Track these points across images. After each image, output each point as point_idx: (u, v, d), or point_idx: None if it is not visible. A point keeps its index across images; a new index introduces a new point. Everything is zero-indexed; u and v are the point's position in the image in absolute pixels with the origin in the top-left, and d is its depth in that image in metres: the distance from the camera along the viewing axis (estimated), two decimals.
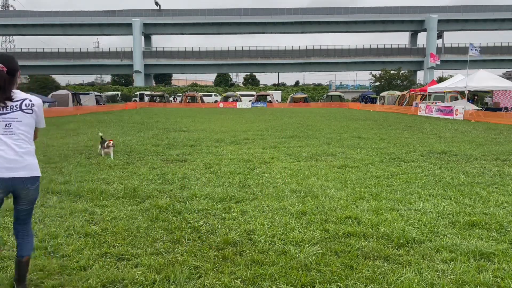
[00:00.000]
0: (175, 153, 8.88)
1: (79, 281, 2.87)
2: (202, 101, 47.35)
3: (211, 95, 59.77)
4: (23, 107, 2.50)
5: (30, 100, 2.55)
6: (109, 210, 4.54)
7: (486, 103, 27.47)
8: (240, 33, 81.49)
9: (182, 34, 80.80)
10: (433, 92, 28.91)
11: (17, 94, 2.53)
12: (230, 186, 5.75)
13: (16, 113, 2.48)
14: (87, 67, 78.91)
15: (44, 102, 26.99)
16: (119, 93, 64.46)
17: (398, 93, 38.41)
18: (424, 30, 76.16)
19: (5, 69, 2.43)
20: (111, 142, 8.19)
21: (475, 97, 28.63)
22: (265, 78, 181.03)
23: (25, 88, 58.06)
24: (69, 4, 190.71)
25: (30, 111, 2.52)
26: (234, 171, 6.77)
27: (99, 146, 8.62)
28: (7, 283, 2.84)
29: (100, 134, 9.19)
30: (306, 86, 79.99)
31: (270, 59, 78.37)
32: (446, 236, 3.75)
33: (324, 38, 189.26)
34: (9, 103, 2.48)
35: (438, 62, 28.68)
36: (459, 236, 3.73)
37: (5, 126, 2.43)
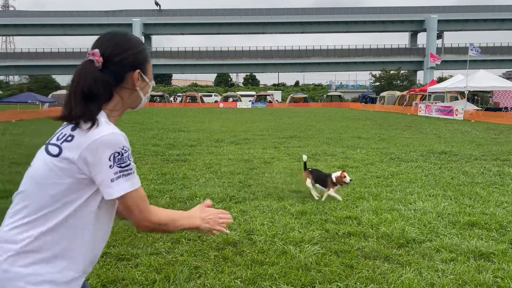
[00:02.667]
0: (175, 153, 8.88)
1: None
2: (202, 101, 47.37)
3: (211, 95, 59.79)
4: (53, 140, 1.25)
5: (74, 131, 1.21)
6: None
7: (482, 103, 27.50)
8: (240, 33, 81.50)
9: (182, 34, 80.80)
10: (433, 92, 28.91)
11: (100, 125, 1.19)
12: (230, 186, 5.75)
13: (41, 149, 1.29)
14: None
15: (44, 102, 26.97)
16: None
17: (398, 93, 38.44)
18: (424, 30, 76.12)
19: (99, 59, 1.22)
20: (345, 175, 4.82)
21: (475, 97, 28.64)
22: (265, 78, 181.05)
23: (25, 88, 58.12)
24: (70, 4, 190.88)
25: (56, 151, 1.20)
26: (234, 171, 6.77)
27: (309, 180, 5.11)
28: None
29: (305, 157, 5.47)
30: (306, 86, 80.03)
31: (270, 59, 78.35)
32: (446, 236, 3.75)
33: (324, 38, 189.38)
34: (64, 130, 1.25)
35: (439, 62, 28.69)
36: (459, 236, 3.73)
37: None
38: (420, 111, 26.66)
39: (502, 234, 3.80)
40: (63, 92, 32.07)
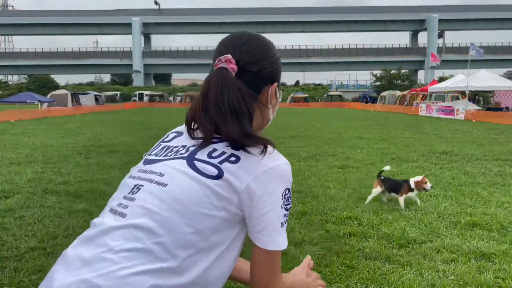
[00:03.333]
0: None
1: None
2: None
3: None
4: (201, 155, 0.96)
5: (237, 150, 0.95)
6: None
7: (483, 103, 27.49)
8: None
9: (182, 33, 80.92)
10: (434, 92, 28.89)
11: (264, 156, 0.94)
12: None
13: (173, 163, 0.97)
14: (86, 67, 78.93)
15: (43, 101, 26.97)
16: (118, 92, 64.44)
17: (398, 92, 38.44)
18: (425, 29, 76.15)
19: (234, 67, 1.00)
20: (426, 181, 4.62)
21: (476, 97, 28.63)
22: None
23: (24, 88, 58.09)
24: (69, 4, 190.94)
25: (213, 171, 0.92)
26: None
27: (379, 189, 4.83)
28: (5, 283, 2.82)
29: (388, 167, 5.22)
30: (307, 86, 79.92)
31: None
32: (447, 236, 3.73)
33: (324, 38, 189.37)
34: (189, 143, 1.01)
35: (439, 63, 28.68)
36: (460, 237, 3.72)
37: (129, 193, 0.98)
38: (421, 111, 26.64)
39: (503, 235, 3.78)
40: (62, 91, 32.02)
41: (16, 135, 12.61)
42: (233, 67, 0.99)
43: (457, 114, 22.24)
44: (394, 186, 4.76)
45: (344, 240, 3.64)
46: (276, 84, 1.07)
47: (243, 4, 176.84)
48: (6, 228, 3.92)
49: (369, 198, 4.87)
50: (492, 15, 74.71)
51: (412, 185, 4.61)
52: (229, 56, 0.99)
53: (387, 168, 5.07)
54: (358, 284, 2.83)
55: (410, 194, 4.64)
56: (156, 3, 78.73)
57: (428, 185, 4.58)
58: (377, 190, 4.84)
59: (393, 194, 4.78)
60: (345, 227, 3.97)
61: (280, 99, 1.12)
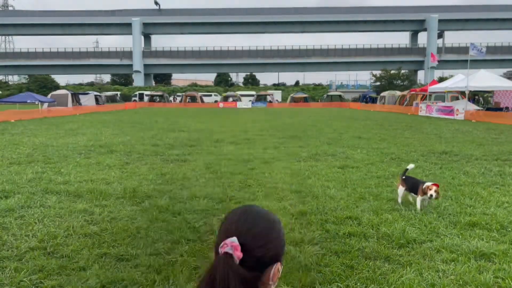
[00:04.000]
0: (175, 153, 8.87)
1: (79, 282, 2.86)
2: (202, 101, 47.37)
3: (211, 95, 59.79)
4: None
5: None
6: (108, 210, 4.53)
7: (484, 103, 27.49)
8: (240, 33, 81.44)
9: (182, 33, 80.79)
10: (433, 92, 28.89)
11: None
12: (230, 186, 5.74)
13: None
14: (87, 67, 78.86)
15: (43, 101, 26.96)
16: (119, 93, 64.44)
17: (398, 93, 38.42)
18: (425, 29, 76.10)
19: (240, 254, 1.02)
20: (431, 188, 4.42)
21: (476, 97, 28.61)
22: (265, 78, 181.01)
23: (24, 88, 58.09)
24: (69, 4, 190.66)
25: None
26: (234, 171, 6.75)
27: (401, 188, 4.83)
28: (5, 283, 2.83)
29: (412, 166, 5.09)
30: (306, 86, 79.88)
31: (270, 58, 78.32)
32: (447, 236, 3.74)
33: (324, 38, 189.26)
34: None
35: (437, 62, 28.67)
36: (460, 237, 3.72)
37: None
38: (420, 111, 26.64)
39: (503, 235, 3.79)
40: (62, 92, 31.99)
41: (16, 135, 12.61)
42: (238, 254, 0.99)
43: (457, 114, 22.24)
44: (413, 186, 4.69)
45: (344, 240, 3.65)
46: (279, 263, 1.07)
47: (243, 4, 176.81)
48: (6, 228, 3.93)
49: (398, 199, 4.86)
50: (492, 15, 74.66)
51: (423, 188, 4.50)
52: (235, 242, 1.00)
53: (411, 166, 4.97)
54: (358, 284, 2.84)
55: (425, 196, 4.50)
56: (156, 3, 78.66)
57: (430, 192, 4.39)
58: (401, 189, 4.81)
59: (413, 194, 4.75)
60: (345, 227, 3.98)
61: (281, 273, 1.12)
